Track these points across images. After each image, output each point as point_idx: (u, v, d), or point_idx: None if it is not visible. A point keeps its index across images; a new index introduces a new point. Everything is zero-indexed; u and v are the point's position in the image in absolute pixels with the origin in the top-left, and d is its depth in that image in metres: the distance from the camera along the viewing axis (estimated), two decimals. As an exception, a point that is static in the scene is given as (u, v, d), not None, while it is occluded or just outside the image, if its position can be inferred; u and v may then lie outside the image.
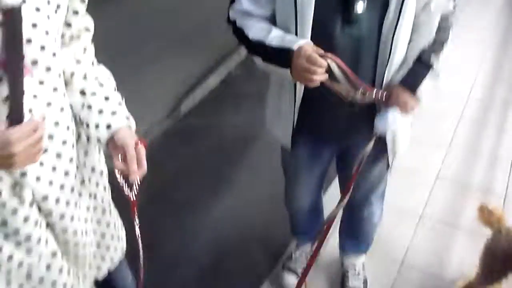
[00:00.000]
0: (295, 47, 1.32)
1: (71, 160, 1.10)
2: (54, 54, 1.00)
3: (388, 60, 1.40)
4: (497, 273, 1.83)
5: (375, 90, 1.43)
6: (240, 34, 1.47)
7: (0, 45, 0.86)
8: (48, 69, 0.98)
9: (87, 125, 1.12)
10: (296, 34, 1.37)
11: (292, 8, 1.35)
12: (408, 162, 2.58)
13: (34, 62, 0.94)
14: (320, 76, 1.32)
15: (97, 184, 1.26)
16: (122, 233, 1.41)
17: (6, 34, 0.85)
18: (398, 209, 2.48)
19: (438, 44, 1.44)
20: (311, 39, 1.37)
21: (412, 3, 1.34)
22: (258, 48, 1.42)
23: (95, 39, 1.23)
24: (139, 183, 1.10)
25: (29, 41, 0.91)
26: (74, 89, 1.13)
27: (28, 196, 1.02)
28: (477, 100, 3.45)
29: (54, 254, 1.15)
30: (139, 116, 3.89)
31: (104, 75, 1.21)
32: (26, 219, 1.04)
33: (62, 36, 1.09)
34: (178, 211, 2.61)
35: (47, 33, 0.95)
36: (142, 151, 1.09)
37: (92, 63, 1.20)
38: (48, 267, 1.15)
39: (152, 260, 1.94)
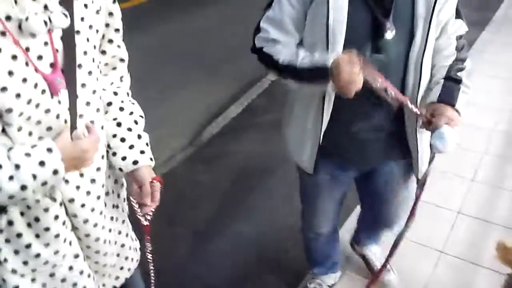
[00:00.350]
0: (328, 63, 1.34)
1: (98, 169, 1.17)
2: (97, 79, 1.10)
3: (419, 85, 1.45)
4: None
5: (420, 111, 1.45)
6: (268, 61, 1.49)
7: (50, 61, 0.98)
8: (94, 92, 1.09)
9: (114, 154, 1.24)
10: None
11: (323, 37, 1.39)
12: (430, 196, 2.55)
13: (83, 85, 1.05)
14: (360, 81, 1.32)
15: (118, 196, 1.33)
16: (137, 244, 1.46)
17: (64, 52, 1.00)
18: (419, 243, 2.45)
19: (460, 61, 1.49)
20: None
21: (434, 29, 1.41)
22: (290, 71, 1.44)
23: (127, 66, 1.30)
24: (151, 214, 1.25)
25: (79, 66, 1.03)
26: (109, 118, 1.24)
27: (59, 196, 1.09)
28: (501, 133, 3.42)
29: (76, 256, 1.20)
30: (163, 142, 4.01)
31: (138, 113, 1.31)
32: (56, 218, 1.10)
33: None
34: (195, 236, 2.63)
35: (85, 53, 1.05)
36: (157, 187, 1.25)
37: (128, 94, 1.31)
38: (71, 268, 1.20)
39: (168, 285, 1.96)
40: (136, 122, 1.28)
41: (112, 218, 1.27)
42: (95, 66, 1.08)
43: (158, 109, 3.94)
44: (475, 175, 2.99)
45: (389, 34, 1.39)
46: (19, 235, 1.09)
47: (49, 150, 0.96)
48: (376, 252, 2.27)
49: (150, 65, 4.67)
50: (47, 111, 0.98)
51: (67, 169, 1.00)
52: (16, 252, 1.11)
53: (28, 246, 1.10)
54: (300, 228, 2.06)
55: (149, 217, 1.25)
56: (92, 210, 1.16)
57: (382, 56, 1.42)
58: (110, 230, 1.26)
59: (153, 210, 1.25)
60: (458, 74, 1.47)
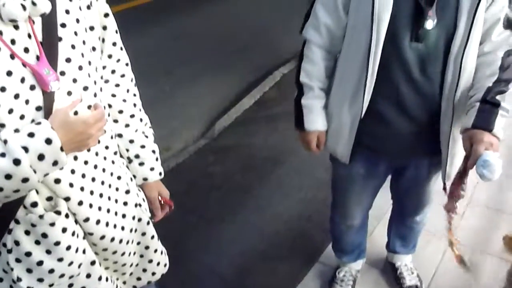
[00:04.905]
0: (308, 128, 1.65)
1: (104, 170, 1.16)
2: (89, 75, 1.06)
3: (458, 82, 1.42)
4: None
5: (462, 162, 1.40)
6: (299, 61, 1.63)
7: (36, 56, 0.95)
8: (86, 88, 1.05)
9: (129, 161, 1.33)
10: (370, 43, 1.41)
11: (368, 21, 1.39)
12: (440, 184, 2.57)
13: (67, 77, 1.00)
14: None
15: (137, 195, 1.32)
16: (163, 248, 1.45)
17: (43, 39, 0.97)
18: (428, 231, 2.46)
19: (503, 83, 1.41)
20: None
21: (480, 26, 1.37)
22: (298, 90, 1.65)
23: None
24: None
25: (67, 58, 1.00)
26: (122, 125, 1.29)
27: (64, 208, 1.06)
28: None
29: (93, 263, 1.19)
30: (176, 133, 4.06)
31: (147, 122, 1.35)
32: (64, 230, 1.08)
33: (104, 67, 1.20)
34: (205, 225, 2.67)
35: (73, 46, 1.02)
36: (166, 208, 1.42)
37: (135, 105, 1.32)
38: (88, 275, 1.19)
39: (178, 273, 2.01)
40: (147, 136, 1.32)
41: (124, 215, 1.23)
42: (85, 62, 1.03)
43: (171, 102, 4.00)
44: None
45: (430, 23, 1.36)
46: (28, 254, 1.06)
47: (38, 123, 0.92)
48: (406, 264, 2.23)
49: (163, 58, 4.73)
50: (38, 108, 0.95)
51: (68, 145, 0.95)
52: (29, 270, 1.08)
53: (40, 263, 1.08)
54: (329, 218, 2.07)
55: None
56: (99, 209, 1.13)
57: (421, 45, 1.39)
58: (123, 228, 1.23)
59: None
60: (497, 97, 1.37)
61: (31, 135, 0.90)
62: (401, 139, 1.58)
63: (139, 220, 1.29)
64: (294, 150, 3.13)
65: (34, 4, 0.92)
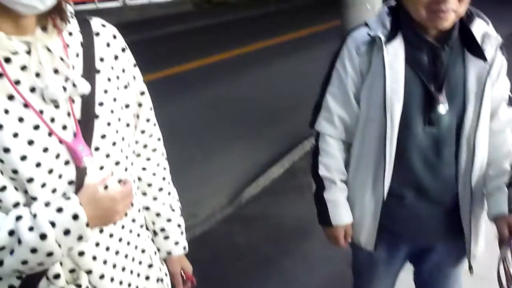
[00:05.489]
0: (336, 223, 1.58)
1: (128, 243, 1.16)
2: (121, 150, 1.10)
3: (473, 161, 1.43)
4: None
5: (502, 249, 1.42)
6: (314, 154, 1.61)
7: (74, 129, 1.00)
8: (117, 163, 1.08)
9: (154, 234, 1.32)
10: (385, 132, 1.42)
11: (381, 109, 1.41)
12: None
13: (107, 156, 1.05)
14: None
15: (160, 269, 1.30)
16: None
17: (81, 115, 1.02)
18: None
19: None
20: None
21: (487, 106, 1.40)
22: (317, 185, 1.61)
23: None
24: None
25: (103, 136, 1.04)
26: (150, 198, 1.30)
27: (85, 281, 1.06)
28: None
29: None
30: (204, 200, 4.06)
31: (175, 195, 1.36)
32: None
33: (137, 142, 1.24)
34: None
35: (109, 124, 1.07)
36: (187, 285, 1.38)
37: (164, 178, 1.33)
38: None
39: None
40: (173, 210, 1.33)
41: None
42: (119, 138, 1.08)
43: (200, 169, 4.04)
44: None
45: (442, 108, 1.39)
46: None
47: (68, 198, 0.96)
48: None
49: (194, 125, 4.85)
50: (70, 182, 0.99)
51: (94, 220, 0.97)
52: None
53: None
54: None
55: None
56: (121, 283, 1.13)
57: (434, 128, 1.42)
58: None
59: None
60: None
61: (59, 210, 0.94)
62: (423, 222, 1.55)
63: None
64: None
65: (74, 86, 0.98)
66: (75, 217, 0.94)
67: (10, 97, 0.93)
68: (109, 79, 1.08)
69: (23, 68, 0.94)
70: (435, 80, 1.40)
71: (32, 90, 0.95)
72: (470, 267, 1.60)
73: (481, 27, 1.40)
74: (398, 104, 1.39)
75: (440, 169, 1.46)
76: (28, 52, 0.94)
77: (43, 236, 0.91)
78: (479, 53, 1.39)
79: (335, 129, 1.55)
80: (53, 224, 0.92)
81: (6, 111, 0.93)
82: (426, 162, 1.44)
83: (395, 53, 1.39)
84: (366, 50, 1.44)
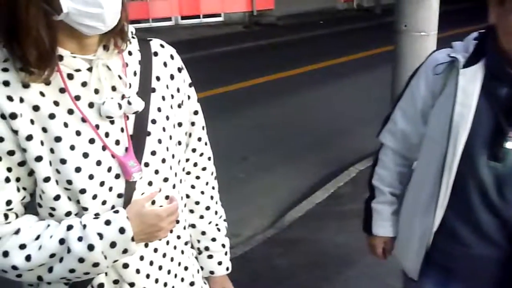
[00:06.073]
0: (375, 232, 1.62)
1: (172, 259, 1.17)
2: (176, 174, 1.13)
3: None
4: None
5: None
6: (374, 163, 1.63)
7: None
8: (166, 179, 1.10)
9: (198, 252, 1.33)
10: (445, 157, 1.36)
11: (445, 132, 1.36)
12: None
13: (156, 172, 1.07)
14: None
15: (201, 287, 1.30)
16: None
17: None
18: None
19: None
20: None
21: None
22: (370, 191, 1.63)
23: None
24: None
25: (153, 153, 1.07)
26: (197, 216, 1.32)
27: None
28: None
29: None
30: (246, 220, 4.06)
31: (222, 215, 1.37)
32: None
33: (188, 160, 1.26)
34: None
35: (160, 141, 1.09)
36: None
37: (212, 197, 1.35)
38: None
39: None
40: (219, 230, 1.34)
41: None
42: (169, 155, 1.10)
43: (243, 189, 4.05)
44: None
45: (510, 144, 1.31)
46: None
47: (116, 211, 0.99)
48: None
49: (240, 145, 4.88)
50: (119, 195, 1.02)
51: (139, 235, 1.00)
52: None
53: None
54: None
55: None
56: None
57: (499, 165, 1.32)
58: None
59: None
60: None
61: (107, 222, 0.97)
62: (477, 262, 1.43)
63: None
64: (365, 251, 2.97)
65: (129, 103, 1.02)
66: (122, 230, 0.97)
67: (70, 112, 0.98)
68: (163, 98, 1.11)
69: (84, 84, 0.99)
70: (509, 114, 1.31)
71: (90, 105, 1.00)
72: None
73: None
74: (464, 131, 1.32)
75: (501, 210, 1.35)
76: (90, 69, 0.99)
77: (90, 247, 0.95)
78: None
79: (397, 142, 1.54)
80: (100, 236, 0.96)
81: (66, 125, 0.97)
82: (486, 199, 1.35)
83: (471, 79, 1.33)
84: (443, 71, 1.39)
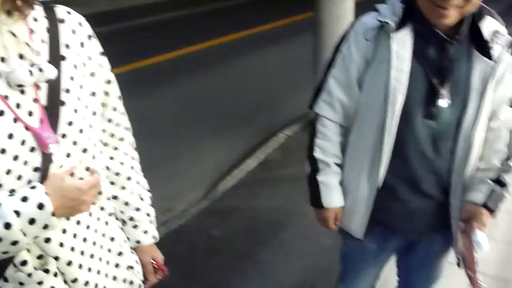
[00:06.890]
0: (327, 205, 1.60)
1: (96, 230, 1.15)
2: (89, 138, 1.08)
3: (468, 158, 1.43)
4: None
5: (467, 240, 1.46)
6: (311, 136, 1.60)
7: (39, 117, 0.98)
8: (85, 150, 1.06)
9: (123, 223, 1.31)
10: (385, 121, 1.42)
11: (382, 97, 1.40)
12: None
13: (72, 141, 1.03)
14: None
15: (131, 257, 1.29)
16: None
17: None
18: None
19: (510, 161, 1.46)
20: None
21: (488, 105, 1.40)
22: (312, 166, 1.60)
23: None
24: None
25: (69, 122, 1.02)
26: (118, 187, 1.29)
27: (53, 267, 1.06)
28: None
29: None
30: (179, 194, 4.03)
31: (145, 184, 1.34)
32: None
33: (104, 131, 1.22)
34: (207, 292, 2.58)
35: (76, 111, 1.05)
36: (159, 276, 1.39)
37: (133, 167, 1.32)
38: None
39: None
40: (142, 199, 1.32)
41: (115, 277, 1.22)
42: (87, 125, 1.07)
43: (175, 162, 3.99)
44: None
45: (443, 102, 1.39)
46: None
47: (33, 187, 0.95)
48: None
49: (167, 119, 4.78)
50: (36, 169, 0.97)
51: (60, 210, 0.97)
52: None
53: None
54: None
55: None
56: (89, 269, 1.12)
57: (433, 123, 1.41)
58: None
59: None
60: (505, 177, 1.44)
61: (24, 199, 0.93)
62: (415, 216, 1.56)
63: (131, 283, 1.28)
64: (297, 214, 3.09)
65: (41, 70, 0.96)
66: (41, 206, 0.93)
67: None
68: (75, 66, 1.06)
69: None
70: (439, 74, 1.38)
71: None
72: (459, 263, 1.60)
73: (491, 26, 1.38)
74: (400, 94, 1.38)
75: (435, 163, 1.46)
76: None
77: (7, 225, 0.91)
78: (485, 51, 1.37)
79: (335, 113, 1.54)
80: (17, 213, 0.91)
81: None
82: (422, 155, 1.44)
83: (403, 43, 1.37)
84: (374, 36, 1.41)
